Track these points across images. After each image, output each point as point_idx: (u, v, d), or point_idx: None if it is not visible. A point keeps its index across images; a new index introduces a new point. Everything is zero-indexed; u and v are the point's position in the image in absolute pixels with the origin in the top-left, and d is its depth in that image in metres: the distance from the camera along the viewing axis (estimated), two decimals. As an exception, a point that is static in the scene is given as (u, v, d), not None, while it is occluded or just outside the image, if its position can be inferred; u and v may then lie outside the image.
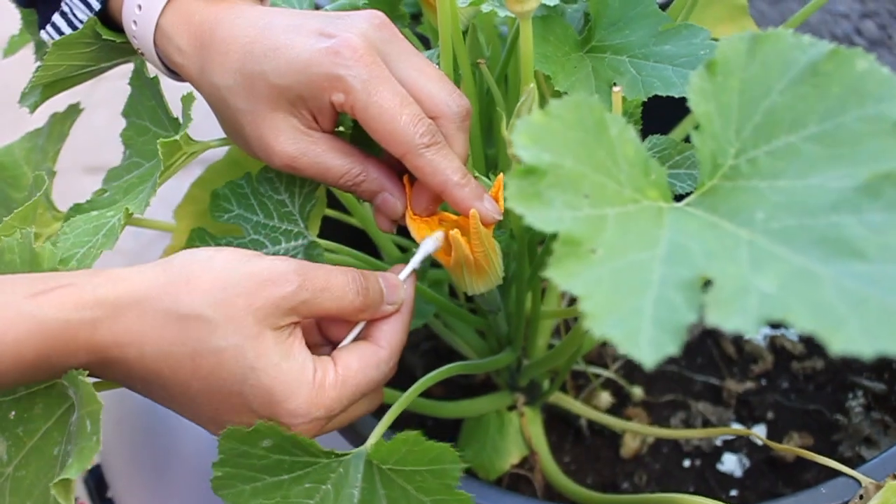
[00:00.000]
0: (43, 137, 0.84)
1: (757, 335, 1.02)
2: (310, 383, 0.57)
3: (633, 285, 0.42)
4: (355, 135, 0.69)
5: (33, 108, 0.80)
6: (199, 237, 0.72)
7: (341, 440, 0.83)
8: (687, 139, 0.64)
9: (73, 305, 0.55)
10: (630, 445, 0.95)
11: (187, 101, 0.67)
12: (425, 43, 0.88)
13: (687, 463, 0.94)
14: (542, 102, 0.77)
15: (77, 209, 0.72)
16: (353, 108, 0.61)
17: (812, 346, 0.99)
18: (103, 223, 0.65)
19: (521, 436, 0.87)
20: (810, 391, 0.97)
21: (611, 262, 0.43)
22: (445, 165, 0.62)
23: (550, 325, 0.90)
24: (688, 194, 0.51)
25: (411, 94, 0.62)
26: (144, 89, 0.75)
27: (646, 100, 0.65)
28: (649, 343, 0.38)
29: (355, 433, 0.79)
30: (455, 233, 0.62)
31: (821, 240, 0.42)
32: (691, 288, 0.41)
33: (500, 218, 0.64)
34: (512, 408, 0.88)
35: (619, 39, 0.71)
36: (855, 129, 0.46)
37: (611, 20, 0.72)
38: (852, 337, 0.35)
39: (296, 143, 0.64)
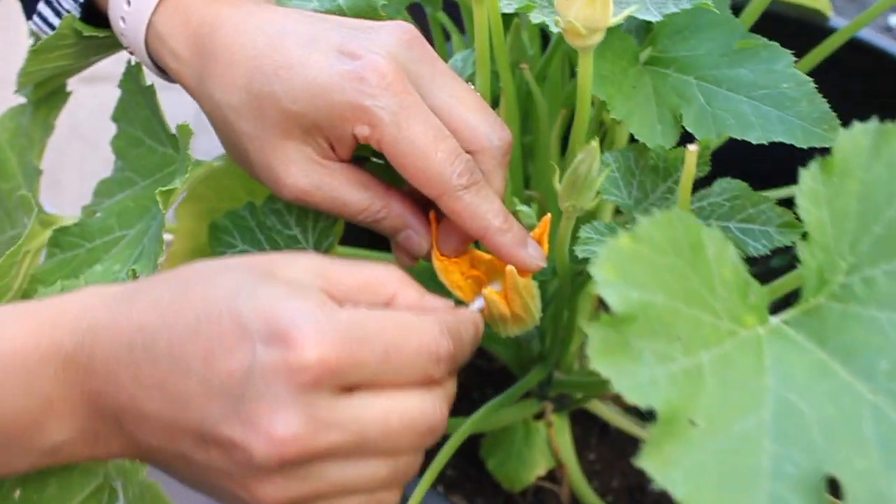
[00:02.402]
0: (27, 118, 0.75)
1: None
2: (322, 297, 0.46)
3: (742, 475, 0.36)
4: (376, 162, 0.61)
5: (34, 98, 0.71)
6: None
7: None
8: (760, 186, 0.57)
9: (64, 296, 0.49)
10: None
11: (184, 133, 0.58)
12: (458, 24, 0.78)
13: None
14: (597, 132, 0.69)
15: (64, 231, 0.64)
16: (381, 142, 0.53)
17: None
18: (111, 281, 0.58)
19: (548, 446, 0.82)
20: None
21: (713, 439, 0.37)
22: (486, 209, 0.54)
23: (582, 333, 0.84)
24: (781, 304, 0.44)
25: (447, 125, 0.54)
26: (137, 95, 0.66)
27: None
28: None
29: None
30: (489, 292, 0.55)
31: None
32: (811, 489, 0.35)
33: (545, 265, 0.57)
34: (539, 416, 0.83)
35: (685, 52, 0.61)
36: None
37: (676, 27, 0.62)
38: None
39: (309, 176, 0.56)
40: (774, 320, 0.43)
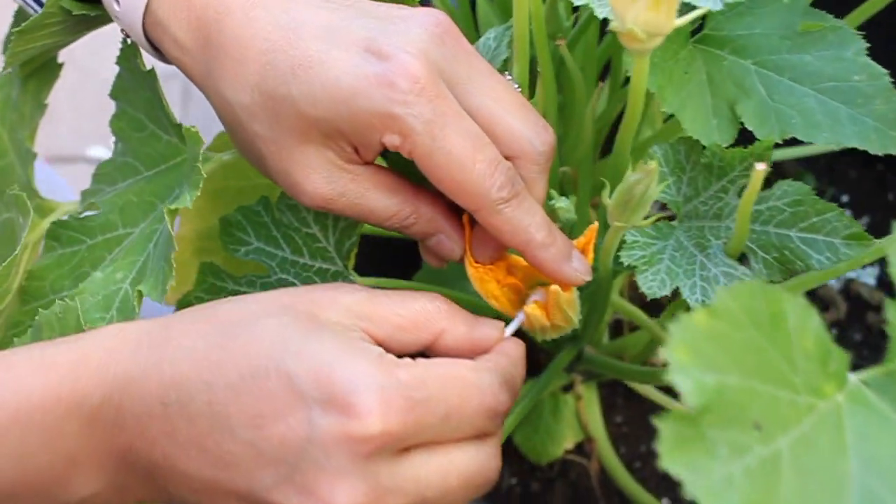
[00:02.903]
0: (17, 91, 0.69)
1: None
2: (376, 354, 0.44)
3: None
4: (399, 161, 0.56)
5: (21, 74, 0.65)
6: (211, 273, 0.60)
7: None
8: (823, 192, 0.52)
9: (83, 340, 0.47)
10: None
11: (193, 140, 0.52)
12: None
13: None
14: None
15: (63, 226, 0.60)
16: (412, 153, 0.48)
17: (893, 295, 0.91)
18: (114, 291, 0.54)
19: (577, 419, 0.80)
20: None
21: (794, 545, 0.34)
22: (528, 222, 0.50)
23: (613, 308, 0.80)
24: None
25: (485, 130, 0.49)
26: (136, 75, 0.60)
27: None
28: None
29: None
30: (531, 309, 0.52)
31: None
32: None
33: (590, 279, 0.53)
34: (567, 388, 0.80)
35: (742, 30, 0.55)
36: None
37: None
38: None
39: (331, 182, 0.51)
40: (854, 379, 0.39)
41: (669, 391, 0.87)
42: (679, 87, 0.54)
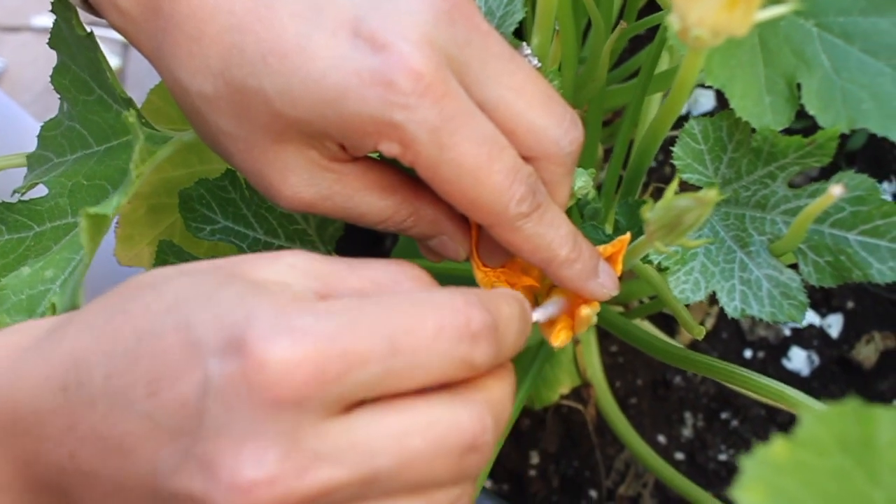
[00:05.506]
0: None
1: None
2: (297, 292, 0.34)
3: None
4: None
5: None
6: (171, 252, 0.52)
7: None
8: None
9: None
10: (686, 333, 0.84)
11: (132, 130, 0.43)
12: None
13: (748, 353, 0.84)
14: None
15: (9, 208, 0.51)
16: (415, 164, 0.40)
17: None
18: (40, 292, 0.46)
19: (574, 364, 0.75)
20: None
21: None
22: (550, 237, 0.43)
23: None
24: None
25: (503, 127, 0.41)
26: (73, 32, 0.50)
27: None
28: None
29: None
30: (560, 335, 0.45)
31: None
32: None
33: (618, 292, 0.46)
34: (565, 331, 0.75)
35: (804, -21, 0.46)
36: None
37: (794, -53, 0.46)
38: None
39: (313, 185, 0.43)
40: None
41: (663, 323, 0.83)
42: (728, 55, 0.45)
